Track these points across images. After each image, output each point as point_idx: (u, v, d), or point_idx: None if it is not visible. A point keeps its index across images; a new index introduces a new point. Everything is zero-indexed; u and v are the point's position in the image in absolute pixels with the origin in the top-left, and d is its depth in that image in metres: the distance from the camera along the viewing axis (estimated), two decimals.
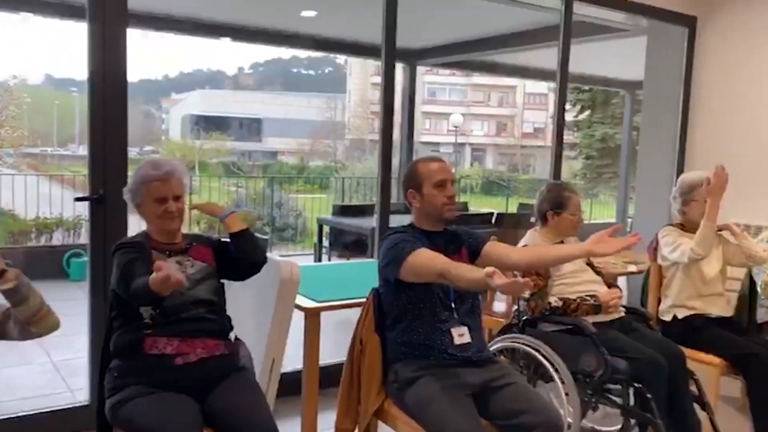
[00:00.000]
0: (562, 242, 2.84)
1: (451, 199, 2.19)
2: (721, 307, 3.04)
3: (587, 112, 19.48)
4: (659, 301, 3.15)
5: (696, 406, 2.65)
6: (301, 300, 2.48)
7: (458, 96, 37.42)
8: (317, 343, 2.53)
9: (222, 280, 2.16)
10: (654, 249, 3.14)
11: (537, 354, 2.56)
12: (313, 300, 2.52)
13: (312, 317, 2.49)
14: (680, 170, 4.90)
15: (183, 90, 44.98)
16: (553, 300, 2.66)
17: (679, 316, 3.01)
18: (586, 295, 2.67)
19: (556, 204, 2.76)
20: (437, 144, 35.55)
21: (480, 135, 37.23)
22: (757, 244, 3.29)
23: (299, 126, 37.96)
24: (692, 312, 2.99)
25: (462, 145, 36.61)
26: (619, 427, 2.73)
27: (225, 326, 2.10)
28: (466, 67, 9.96)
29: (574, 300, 2.65)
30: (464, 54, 7.15)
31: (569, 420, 2.45)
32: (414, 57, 7.44)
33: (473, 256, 2.26)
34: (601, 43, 6.16)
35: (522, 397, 2.05)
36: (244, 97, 42.61)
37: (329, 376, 2.73)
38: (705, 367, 2.87)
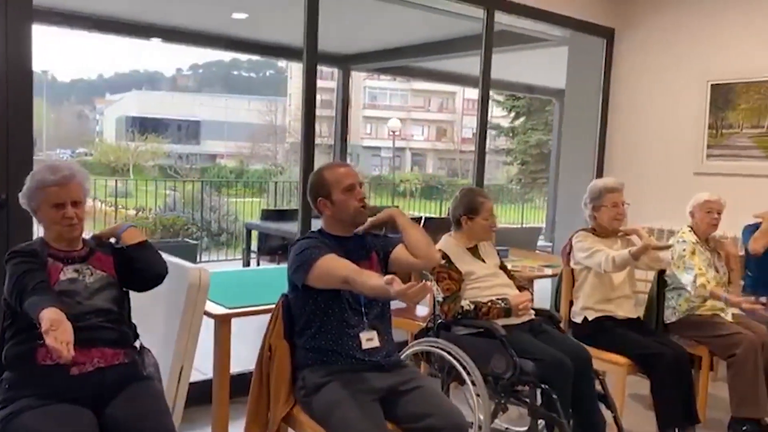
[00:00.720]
0: (476, 247, 2.89)
1: (362, 201, 2.20)
2: (629, 309, 3.16)
3: (522, 119, 19.97)
4: (572, 303, 3.25)
5: (603, 406, 2.75)
6: (211, 306, 2.44)
7: (399, 101, 37.70)
8: (228, 350, 2.50)
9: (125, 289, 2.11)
10: (567, 253, 3.24)
11: (450, 357, 2.60)
12: (224, 306, 2.48)
13: (222, 324, 2.46)
14: (599, 176, 5.08)
15: (118, 91, 43.65)
16: (466, 304, 2.70)
17: (589, 318, 3.11)
18: (497, 299, 2.72)
19: (470, 209, 2.82)
20: (378, 148, 35.72)
21: (420, 140, 37.59)
22: (676, 245, 3.42)
23: (239, 129, 37.40)
24: (601, 314, 3.10)
25: (402, 149, 36.90)
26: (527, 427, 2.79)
27: (126, 335, 2.04)
28: (404, 73, 10.06)
29: (486, 303, 2.70)
30: (397, 60, 7.21)
31: (480, 418, 2.51)
32: (348, 61, 7.46)
33: (384, 260, 2.27)
34: (530, 53, 6.33)
35: (428, 401, 2.08)
36: (182, 99, 41.68)
37: (246, 384, 2.69)
38: (612, 366, 2.99)
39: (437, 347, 2.66)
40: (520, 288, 2.88)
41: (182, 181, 15.44)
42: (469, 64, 7.93)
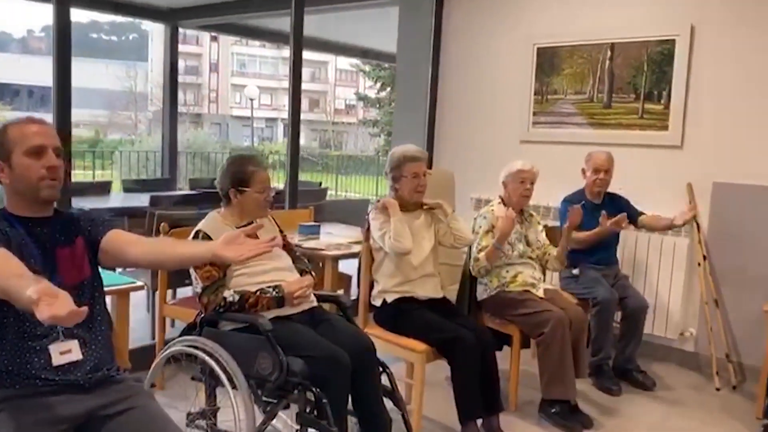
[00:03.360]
0: (251, 224, 2.45)
1: (52, 171, 1.67)
2: (432, 289, 2.87)
3: (388, 90, 19.77)
4: (373, 285, 2.92)
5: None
6: None
7: (269, 69, 36.42)
8: None
9: None
10: (366, 229, 2.89)
11: (208, 358, 2.18)
12: None
13: None
14: (430, 146, 4.82)
15: None
16: (229, 294, 2.27)
17: (389, 300, 2.79)
18: (269, 286, 2.31)
19: (239, 180, 2.37)
20: (249, 118, 34.41)
21: None
22: (477, 219, 3.18)
23: (96, 96, 34.67)
24: (401, 295, 2.79)
25: (274, 119, 35.83)
26: None
27: None
28: (251, 34, 9.37)
29: (254, 293, 2.28)
30: (228, 15, 6.54)
31: (242, 428, 2.11)
32: (174, 16, 6.70)
33: (93, 248, 1.78)
34: (383, 14, 5.88)
35: (140, 426, 1.64)
36: (33, 63, 37.94)
37: None
38: (411, 353, 2.69)
39: (196, 347, 2.23)
40: (302, 272, 2.49)
41: None
42: (332, 28, 7.44)
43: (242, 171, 2.37)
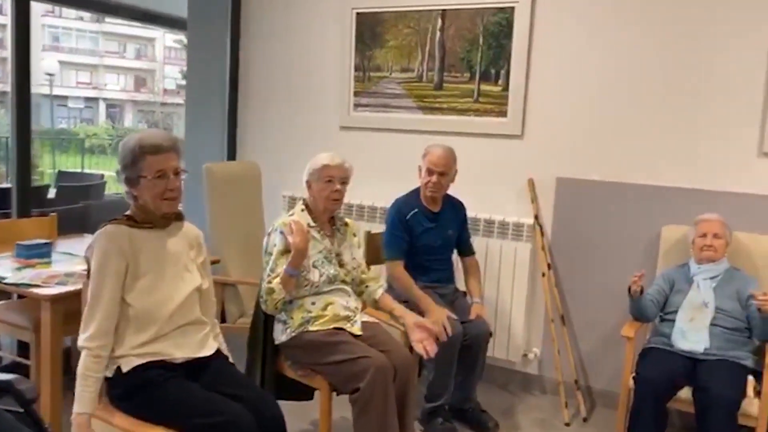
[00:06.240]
0: None
1: None
2: (197, 344, 1.96)
3: None
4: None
5: None
6: None
7: (88, 44, 32.93)
8: None
9: None
10: (88, 268, 1.91)
11: None
12: None
13: None
14: (232, 133, 3.90)
15: None
16: None
17: (125, 369, 1.86)
18: None
19: None
20: (66, 98, 30.95)
21: (116, 89, 33.53)
22: (271, 233, 2.34)
23: None
24: (148, 359, 1.87)
25: (95, 99, 32.65)
26: None
27: None
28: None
29: None
30: None
31: None
32: None
33: None
34: None
35: None
36: None
37: None
38: None
39: None
40: None
41: None
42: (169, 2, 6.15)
43: None
